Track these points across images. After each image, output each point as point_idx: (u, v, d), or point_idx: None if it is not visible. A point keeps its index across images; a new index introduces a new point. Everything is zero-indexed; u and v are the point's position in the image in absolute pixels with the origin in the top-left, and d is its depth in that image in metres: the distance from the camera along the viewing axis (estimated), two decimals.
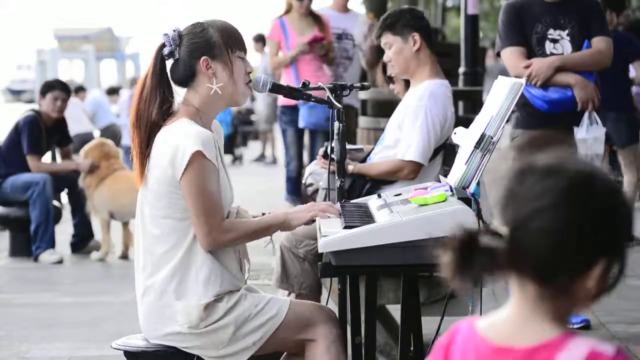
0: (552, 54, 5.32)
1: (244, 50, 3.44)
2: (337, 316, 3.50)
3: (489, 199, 1.68)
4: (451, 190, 3.47)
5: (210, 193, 3.27)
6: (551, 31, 5.34)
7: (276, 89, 3.84)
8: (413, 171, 4.81)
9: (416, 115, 4.79)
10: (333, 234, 3.25)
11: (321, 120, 7.93)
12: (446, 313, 3.67)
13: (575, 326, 5.30)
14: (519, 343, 1.62)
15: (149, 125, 3.33)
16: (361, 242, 3.21)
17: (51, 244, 7.99)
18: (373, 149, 5.05)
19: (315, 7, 8.53)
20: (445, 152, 5.15)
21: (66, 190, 8.39)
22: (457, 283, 1.64)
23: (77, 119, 14.28)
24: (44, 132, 8.14)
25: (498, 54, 5.62)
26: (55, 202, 8.34)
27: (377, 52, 6.71)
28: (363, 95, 7.50)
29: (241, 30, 3.49)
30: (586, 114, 5.22)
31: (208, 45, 3.36)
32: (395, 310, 4.45)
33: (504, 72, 5.22)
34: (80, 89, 18.21)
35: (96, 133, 16.01)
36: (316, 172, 5.08)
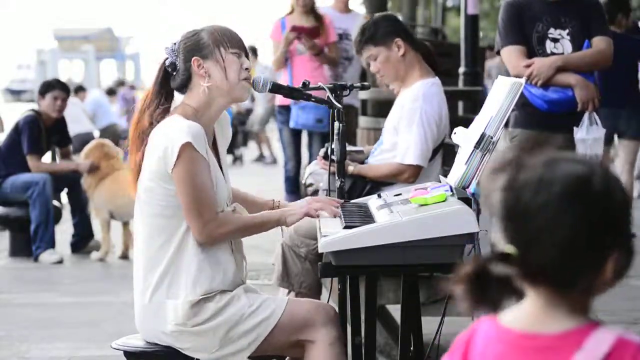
0: (552, 53, 5.32)
1: (239, 48, 3.45)
2: (338, 313, 3.49)
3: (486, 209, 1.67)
4: (451, 190, 3.47)
5: (202, 185, 3.28)
6: (552, 30, 5.34)
7: (276, 89, 3.84)
8: (413, 174, 4.81)
9: (411, 117, 4.79)
10: (333, 234, 3.25)
11: (310, 121, 7.95)
12: (446, 313, 3.67)
13: None
14: (545, 330, 1.64)
15: (144, 131, 3.36)
16: (361, 242, 3.21)
17: (51, 244, 7.98)
18: (372, 152, 5.05)
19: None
20: (445, 152, 5.15)
21: (66, 190, 8.39)
22: (478, 311, 1.65)
23: (76, 119, 14.29)
24: (44, 132, 8.14)
25: (498, 53, 5.62)
26: (55, 202, 8.34)
27: None
28: (363, 95, 7.50)
29: (242, 30, 3.50)
30: (586, 115, 5.21)
31: (198, 46, 3.40)
32: (395, 310, 4.45)
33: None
34: (80, 89, 18.23)
35: (96, 133, 16.02)
36: (316, 172, 5.08)
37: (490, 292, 1.63)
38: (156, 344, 3.37)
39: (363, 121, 7.24)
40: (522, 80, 3.60)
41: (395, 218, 3.30)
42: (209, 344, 3.31)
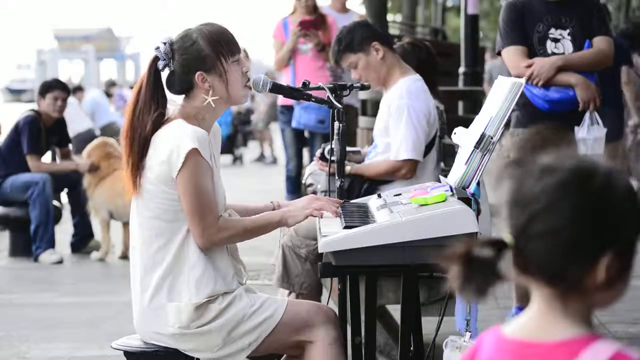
0: (553, 53, 5.32)
1: (238, 51, 3.44)
2: (337, 315, 3.50)
3: (494, 200, 1.69)
4: (451, 190, 3.47)
5: (205, 191, 3.28)
6: (552, 30, 5.34)
7: (276, 89, 3.84)
8: (410, 170, 4.84)
9: (400, 115, 4.82)
10: (333, 234, 3.25)
11: (312, 121, 7.96)
12: (446, 313, 3.67)
13: None
14: (544, 338, 1.63)
15: (143, 137, 3.32)
16: (361, 242, 3.21)
17: (51, 244, 7.98)
18: (367, 155, 5.06)
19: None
20: (445, 152, 5.16)
21: (66, 190, 8.39)
22: (464, 295, 1.64)
23: (75, 118, 14.27)
24: (44, 132, 8.14)
25: (499, 53, 5.62)
26: (55, 202, 8.34)
27: None
28: (363, 95, 7.50)
29: (242, 31, 3.49)
30: (587, 114, 5.21)
31: (200, 59, 3.36)
32: (395, 310, 4.45)
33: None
34: (78, 89, 18.21)
35: (96, 131, 16.01)
36: (316, 173, 5.09)
37: (476, 276, 1.63)
38: (155, 345, 3.37)
39: (363, 121, 7.25)
40: (522, 81, 3.60)
41: (395, 218, 3.30)
42: (211, 344, 3.32)
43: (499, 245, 1.64)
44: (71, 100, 15.46)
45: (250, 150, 18.65)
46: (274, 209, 3.58)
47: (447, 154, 5.07)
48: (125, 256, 7.95)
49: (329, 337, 3.35)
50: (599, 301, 1.65)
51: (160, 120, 3.34)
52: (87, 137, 14.45)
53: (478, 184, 3.44)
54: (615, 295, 1.66)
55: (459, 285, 1.64)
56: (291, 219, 3.42)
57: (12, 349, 5.41)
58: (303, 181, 5.45)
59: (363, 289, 3.45)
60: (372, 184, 4.89)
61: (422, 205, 3.36)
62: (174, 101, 3.43)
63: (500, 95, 3.59)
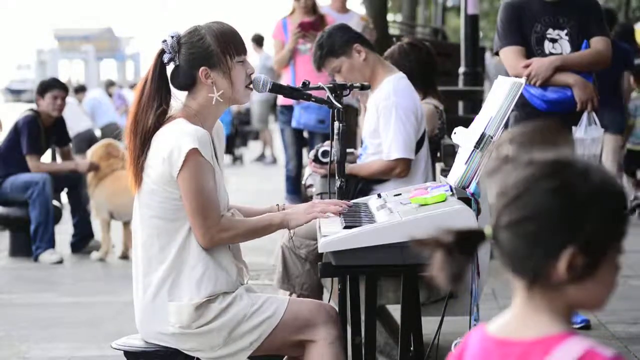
0: (551, 53, 5.33)
1: (244, 52, 3.45)
2: (339, 314, 3.49)
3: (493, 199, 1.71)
4: (451, 190, 3.47)
5: (207, 190, 3.28)
6: (550, 31, 5.34)
7: (276, 89, 3.84)
8: (404, 168, 4.86)
9: (388, 114, 4.83)
10: (333, 234, 3.25)
11: (311, 121, 7.97)
12: (446, 313, 3.67)
13: (576, 326, 5.30)
14: (520, 336, 1.64)
15: (144, 132, 3.33)
16: (361, 242, 3.21)
17: (51, 244, 7.98)
18: (359, 158, 5.06)
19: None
20: (444, 151, 5.16)
21: (66, 190, 8.39)
22: (440, 281, 1.67)
23: (74, 118, 14.28)
24: (43, 132, 8.14)
25: (496, 53, 5.62)
26: (55, 202, 8.33)
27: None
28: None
29: (242, 30, 3.49)
30: (585, 114, 5.22)
31: (206, 55, 3.37)
32: (395, 310, 4.45)
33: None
34: (80, 89, 18.21)
35: (96, 131, 16.01)
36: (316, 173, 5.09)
37: (453, 265, 1.65)
38: (156, 344, 3.37)
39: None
40: (522, 81, 3.60)
41: (395, 218, 3.30)
42: (212, 344, 3.32)
43: (478, 236, 1.67)
44: (70, 100, 15.47)
45: (250, 150, 18.65)
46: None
47: (447, 154, 5.07)
48: (125, 256, 7.96)
49: (330, 336, 3.35)
50: (574, 300, 1.64)
51: (163, 117, 3.35)
52: (86, 136, 14.47)
53: (478, 183, 3.44)
54: (591, 295, 1.64)
55: (436, 272, 1.66)
56: (293, 221, 3.42)
57: (12, 349, 5.41)
58: (303, 181, 5.45)
59: (363, 289, 3.45)
60: (366, 183, 4.90)
61: (422, 205, 3.36)
62: (178, 98, 3.43)
63: (500, 95, 3.59)
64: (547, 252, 1.62)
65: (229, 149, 16.25)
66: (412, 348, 3.52)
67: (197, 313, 3.29)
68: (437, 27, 22.68)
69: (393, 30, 16.19)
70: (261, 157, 17.40)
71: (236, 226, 3.35)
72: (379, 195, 3.80)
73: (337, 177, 3.93)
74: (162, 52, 3.39)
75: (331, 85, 4.13)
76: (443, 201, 3.36)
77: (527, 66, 5.25)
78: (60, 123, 8.34)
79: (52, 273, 7.57)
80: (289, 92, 3.98)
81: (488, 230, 1.67)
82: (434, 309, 4.21)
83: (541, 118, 5.21)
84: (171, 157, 3.26)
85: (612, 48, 5.44)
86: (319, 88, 4.06)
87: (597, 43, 5.34)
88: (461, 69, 9.10)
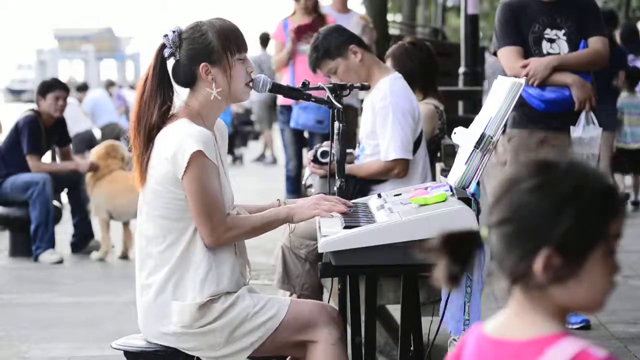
0: (548, 53, 5.33)
1: (245, 50, 3.44)
2: (340, 315, 3.49)
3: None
4: (451, 190, 3.47)
5: (212, 191, 3.28)
6: (548, 31, 5.35)
7: (276, 89, 3.84)
8: (403, 169, 4.86)
9: (385, 116, 4.83)
10: (333, 234, 3.25)
11: (310, 122, 7.97)
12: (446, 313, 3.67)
13: (575, 326, 5.30)
14: (514, 336, 1.64)
15: (149, 128, 3.33)
16: (361, 242, 3.21)
17: (51, 244, 7.98)
18: (357, 159, 5.06)
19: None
20: (445, 151, 5.16)
21: (66, 190, 8.39)
22: (438, 281, 1.68)
23: (74, 119, 14.28)
24: (44, 132, 8.14)
25: (494, 53, 5.63)
26: (55, 202, 8.34)
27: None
28: (363, 95, 7.50)
29: (242, 30, 3.48)
30: (583, 114, 5.22)
31: (207, 51, 3.36)
32: (395, 310, 4.45)
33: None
34: (82, 88, 18.21)
35: (96, 131, 16.01)
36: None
37: (451, 267, 1.66)
38: (157, 344, 3.37)
39: None
40: (522, 81, 3.60)
41: (395, 218, 3.30)
42: (213, 343, 3.32)
43: (475, 238, 1.67)
44: (71, 100, 15.47)
45: (250, 150, 18.65)
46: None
47: (447, 154, 5.07)
48: (125, 256, 7.96)
49: (332, 337, 3.34)
50: (561, 301, 1.63)
51: (166, 114, 3.34)
52: (86, 137, 14.48)
53: (478, 184, 3.44)
54: (578, 296, 1.63)
55: (436, 273, 1.67)
56: (297, 215, 3.41)
57: (12, 349, 5.41)
58: (303, 182, 5.45)
59: (363, 289, 3.45)
60: (365, 184, 4.90)
61: (422, 205, 3.36)
62: (179, 94, 3.43)
63: (500, 95, 3.59)
64: (523, 253, 1.61)
65: (229, 149, 16.19)
66: (412, 348, 3.52)
67: (200, 313, 3.29)
68: (437, 27, 22.69)
69: (393, 30, 16.21)
70: (261, 157, 17.40)
71: (241, 224, 3.35)
72: (379, 195, 3.80)
73: (337, 177, 3.92)
74: (163, 46, 3.39)
75: (331, 85, 4.12)
76: (443, 201, 3.36)
77: (524, 66, 5.26)
78: (60, 123, 8.34)
79: (52, 273, 7.57)
80: (288, 92, 3.98)
81: (484, 231, 1.67)
82: (434, 309, 4.20)
83: (539, 118, 5.24)
84: (175, 159, 3.26)
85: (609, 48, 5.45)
86: (318, 88, 4.05)
87: (595, 43, 5.34)
88: (461, 69, 9.10)
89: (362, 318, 3.50)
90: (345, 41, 4.96)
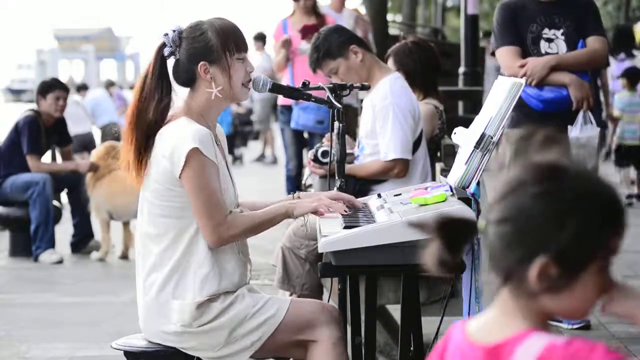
0: (547, 53, 5.33)
1: (244, 50, 3.44)
2: (340, 314, 3.49)
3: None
4: (451, 190, 3.47)
5: (211, 189, 3.27)
6: (546, 30, 5.35)
7: (276, 89, 3.84)
8: (402, 169, 4.86)
9: (386, 115, 4.84)
10: (333, 234, 3.25)
11: (310, 122, 7.97)
12: (446, 313, 3.67)
13: (575, 326, 5.30)
14: (489, 339, 1.63)
15: (147, 125, 3.32)
16: (361, 242, 3.21)
17: (51, 244, 7.98)
18: (356, 158, 5.06)
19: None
20: (445, 151, 5.16)
21: (66, 190, 8.39)
22: (433, 269, 1.66)
23: (77, 119, 14.28)
24: (44, 132, 8.14)
25: (493, 54, 5.63)
26: (55, 202, 8.34)
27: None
28: (363, 95, 7.50)
29: (243, 29, 3.48)
30: (580, 113, 5.23)
31: (206, 50, 3.36)
32: (395, 310, 4.45)
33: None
34: (82, 88, 18.20)
35: (96, 131, 16.01)
36: None
37: (443, 252, 1.64)
38: (157, 344, 3.37)
39: None
40: (522, 81, 3.60)
41: (395, 218, 3.30)
42: (213, 343, 3.32)
43: (471, 227, 1.66)
44: (76, 99, 15.45)
45: (250, 150, 18.65)
46: None
47: (447, 154, 5.07)
48: (125, 256, 7.96)
49: (332, 336, 3.34)
50: (548, 309, 1.62)
51: (166, 112, 3.34)
52: (86, 139, 14.47)
53: (478, 184, 3.44)
54: (567, 307, 1.62)
55: (428, 257, 1.65)
56: (297, 210, 3.41)
57: (12, 349, 5.41)
58: (303, 181, 5.45)
59: (363, 289, 3.45)
60: (364, 184, 4.90)
61: (422, 205, 3.36)
62: (178, 93, 3.43)
63: (500, 95, 3.59)
64: (520, 257, 1.60)
65: (229, 149, 16.21)
66: (412, 348, 3.52)
67: (199, 312, 3.29)
68: (436, 27, 22.69)
69: (393, 31, 16.20)
70: (261, 157, 17.40)
71: (242, 222, 3.35)
72: (379, 195, 3.80)
73: (337, 177, 3.92)
74: (163, 45, 3.39)
75: (331, 85, 4.13)
76: (443, 201, 3.36)
77: (522, 66, 5.26)
78: (61, 123, 8.35)
79: (52, 273, 7.57)
80: (288, 92, 3.98)
81: (481, 224, 1.66)
82: (434, 309, 4.21)
83: (537, 118, 5.24)
84: (172, 157, 3.26)
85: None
86: (318, 88, 4.06)
87: (594, 42, 5.34)
88: (461, 69, 9.10)
89: (362, 318, 3.50)
90: (346, 41, 4.96)
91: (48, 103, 8.15)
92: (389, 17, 20.83)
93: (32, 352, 5.35)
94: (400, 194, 3.72)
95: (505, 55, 5.37)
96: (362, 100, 7.66)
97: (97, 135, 15.81)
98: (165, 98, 3.36)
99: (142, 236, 3.40)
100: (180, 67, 3.40)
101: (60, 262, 7.89)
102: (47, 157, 8.48)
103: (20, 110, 8.68)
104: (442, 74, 5.98)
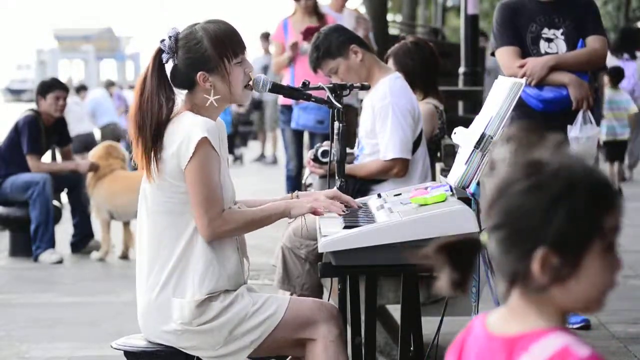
0: (546, 53, 5.33)
1: (242, 52, 3.43)
2: (339, 312, 3.48)
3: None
4: (451, 190, 3.47)
5: (212, 182, 3.28)
6: (545, 30, 5.35)
7: (276, 89, 3.84)
8: (402, 168, 4.86)
9: (385, 115, 4.84)
10: (333, 234, 3.25)
11: (310, 122, 7.97)
12: (446, 313, 3.67)
13: (575, 326, 5.30)
14: (506, 332, 1.64)
15: (156, 124, 3.31)
16: (361, 242, 3.21)
17: (51, 244, 7.98)
18: (356, 158, 5.06)
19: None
20: (445, 151, 5.16)
21: (66, 190, 8.38)
22: (442, 288, 1.67)
23: (79, 119, 14.27)
24: (44, 132, 8.14)
25: (492, 54, 5.63)
26: (55, 202, 8.33)
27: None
28: (362, 95, 7.50)
29: (242, 30, 3.48)
30: (580, 113, 5.23)
31: (203, 60, 3.35)
32: (395, 310, 4.45)
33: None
34: (81, 88, 18.20)
35: (96, 132, 16.00)
36: None
37: (453, 273, 1.66)
38: (157, 344, 3.37)
39: None
40: (522, 81, 3.60)
41: (395, 218, 3.30)
42: (213, 342, 3.32)
43: (474, 244, 1.67)
44: (76, 100, 15.44)
45: (250, 150, 18.64)
46: None
47: (447, 154, 5.07)
48: (125, 256, 7.96)
49: (331, 334, 3.34)
50: (562, 302, 1.63)
51: (171, 108, 3.33)
52: (86, 139, 14.46)
53: (478, 184, 3.44)
54: (579, 296, 1.62)
55: (439, 279, 1.66)
56: (295, 209, 3.40)
57: (12, 349, 5.41)
58: (303, 181, 5.44)
59: (363, 289, 3.45)
60: (364, 183, 4.90)
61: (422, 205, 3.36)
62: (179, 93, 3.43)
63: (500, 95, 3.60)
64: (519, 254, 1.61)
65: (229, 149, 16.21)
66: (412, 348, 3.52)
67: (199, 310, 3.29)
68: (436, 27, 22.68)
69: (393, 30, 16.20)
70: (261, 157, 17.39)
71: (237, 218, 3.35)
72: (379, 195, 3.80)
73: (337, 177, 3.92)
74: (160, 51, 3.39)
75: (331, 85, 4.12)
76: (443, 201, 3.36)
77: (522, 66, 5.26)
78: (61, 123, 8.34)
79: (52, 273, 7.57)
80: (288, 92, 3.98)
81: (484, 237, 1.67)
82: (434, 309, 4.21)
83: (537, 118, 5.24)
84: (180, 149, 3.26)
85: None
86: (319, 88, 4.05)
87: (594, 42, 5.34)
88: (461, 69, 9.10)
89: (362, 318, 3.50)
90: (346, 41, 4.96)
91: (48, 103, 8.15)
92: (389, 17, 20.83)
93: (32, 352, 5.35)
94: (400, 194, 3.72)
95: (504, 56, 5.37)
96: (362, 100, 7.68)
97: (97, 136, 15.80)
98: (170, 97, 3.35)
99: (141, 234, 3.40)
100: (178, 72, 3.40)
101: (60, 262, 7.88)
102: (47, 157, 8.48)
103: (20, 110, 8.68)
104: (442, 74, 5.99)
